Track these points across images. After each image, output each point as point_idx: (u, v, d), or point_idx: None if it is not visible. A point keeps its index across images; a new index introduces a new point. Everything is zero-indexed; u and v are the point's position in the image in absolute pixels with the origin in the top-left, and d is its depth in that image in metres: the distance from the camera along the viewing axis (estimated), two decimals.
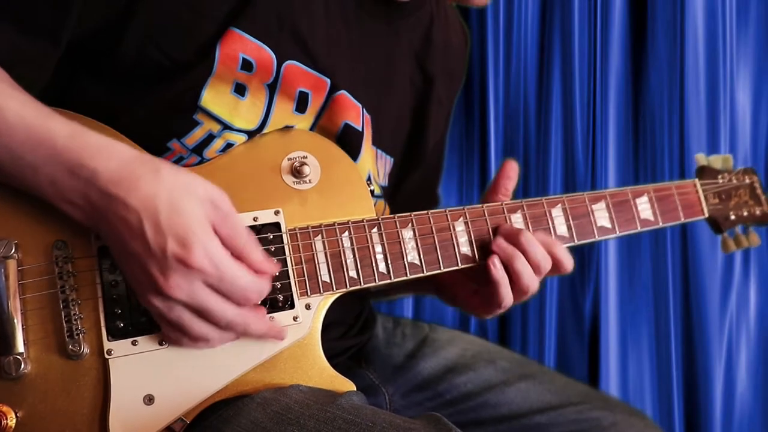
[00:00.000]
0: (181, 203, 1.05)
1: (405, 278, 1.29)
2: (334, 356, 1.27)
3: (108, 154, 1.07)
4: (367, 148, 1.41)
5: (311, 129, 1.34)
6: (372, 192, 1.40)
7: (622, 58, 2.62)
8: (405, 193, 1.62)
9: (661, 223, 1.51)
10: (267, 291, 1.13)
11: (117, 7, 1.16)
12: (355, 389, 1.24)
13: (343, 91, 1.34)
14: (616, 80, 2.61)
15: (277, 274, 1.19)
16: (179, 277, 1.04)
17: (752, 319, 2.67)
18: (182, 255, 1.03)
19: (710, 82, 2.60)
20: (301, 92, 1.29)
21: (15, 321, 1.08)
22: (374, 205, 1.40)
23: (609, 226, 1.45)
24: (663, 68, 2.60)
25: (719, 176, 1.63)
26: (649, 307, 2.66)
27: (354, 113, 1.36)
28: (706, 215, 1.58)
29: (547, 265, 1.33)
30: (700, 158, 1.66)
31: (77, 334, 1.10)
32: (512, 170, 1.45)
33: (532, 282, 1.32)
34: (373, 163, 1.47)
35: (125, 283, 1.12)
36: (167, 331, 1.12)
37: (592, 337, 2.66)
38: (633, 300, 2.66)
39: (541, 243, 1.33)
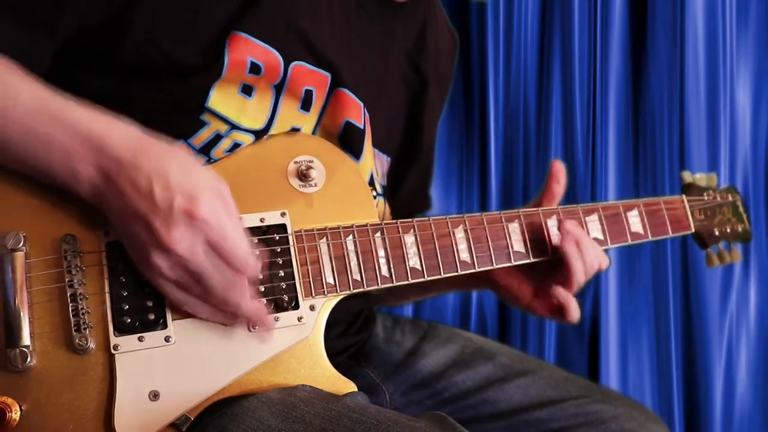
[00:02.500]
0: (192, 171, 1.07)
1: (406, 282, 1.30)
2: (334, 355, 1.27)
3: (122, 127, 1.09)
4: (368, 146, 1.42)
5: (315, 127, 1.35)
6: (376, 194, 1.42)
7: (622, 58, 2.62)
8: (401, 195, 1.63)
9: (650, 237, 1.55)
10: (259, 269, 1.13)
11: (114, 4, 1.16)
12: (357, 391, 1.24)
13: (343, 89, 1.34)
14: (616, 80, 2.62)
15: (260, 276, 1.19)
16: (183, 230, 1.03)
17: (752, 319, 2.68)
18: (189, 207, 1.03)
19: (710, 82, 2.61)
20: (306, 90, 1.30)
21: (22, 314, 1.08)
22: (377, 204, 1.41)
23: (601, 237, 1.49)
24: (663, 68, 2.61)
25: (704, 194, 1.68)
26: (649, 307, 2.67)
27: (355, 111, 1.37)
28: (693, 230, 1.62)
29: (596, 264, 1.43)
30: (686, 176, 1.71)
31: (84, 329, 1.10)
32: (559, 173, 1.52)
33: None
34: (373, 162, 1.48)
35: (133, 278, 1.12)
36: (171, 293, 1.11)
37: (592, 337, 2.67)
38: (633, 300, 2.66)
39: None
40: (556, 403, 1.53)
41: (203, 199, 1.04)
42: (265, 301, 1.19)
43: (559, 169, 1.52)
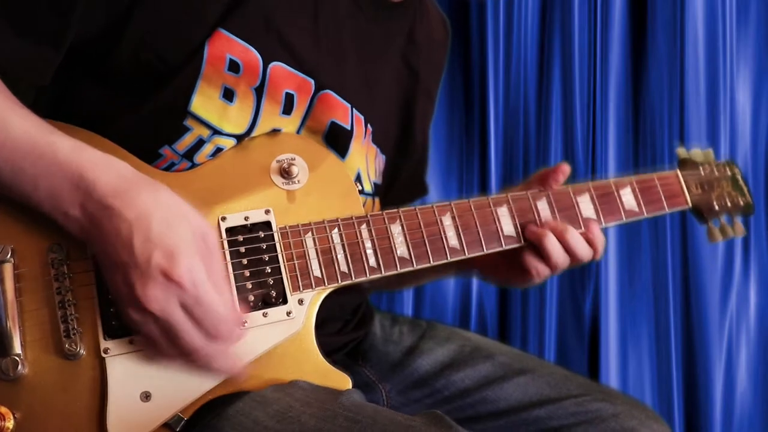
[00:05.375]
0: (174, 224, 1.07)
1: (395, 272, 1.31)
2: (331, 352, 1.28)
3: (108, 168, 1.09)
4: (358, 146, 1.42)
5: (298, 130, 1.36)
6: (361, 190, 1.42)
7: (622, 58, 2.62)
8: (396, 186, 1.65)
9: (645, 213, 1.53)
10: (239, 334, 1.13)
11: (116, 13, 1.18)
12: (350, 382, 1.25)
13: (328, 91, 1.35)
14: (616, 80, 2.61)
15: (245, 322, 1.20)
16: (158, 289, 1.04)
17: (752, 319, 2.66)
18: (166, 266, 1.03)
19: (710, 82, 2.59)
20: (287, 94, 1.31)
21: (11, 323, 1.10)
22: (364, 203, 1.42)
23: (594, 217, 1.47)
24: (663, 68, 2.60)
25: (700, 168, 1.65)
26: (649, 306, 2.66)
27: (341, 112, 1.38)
28: (690, 204, 1.60)
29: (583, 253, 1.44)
30: (681, 152, 1.69)
31: (74, 334, 1.12)
32: (562, 173, 1.51)
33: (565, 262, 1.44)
34: (372, 161, 1.49)
35: None
36: (144, 345, 1.12)
37: (592, 337, 2.66)
38: (633, 300, 2.66)
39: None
40: (556, 401, 1.53)
41: (181, 259, 1.04)
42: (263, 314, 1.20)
43: (564, 172, 1.52)
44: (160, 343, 1.09)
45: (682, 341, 2.66)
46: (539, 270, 1.45)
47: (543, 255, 1.42)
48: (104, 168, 1.08)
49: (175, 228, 1.06)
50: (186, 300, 1.05)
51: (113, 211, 1.05)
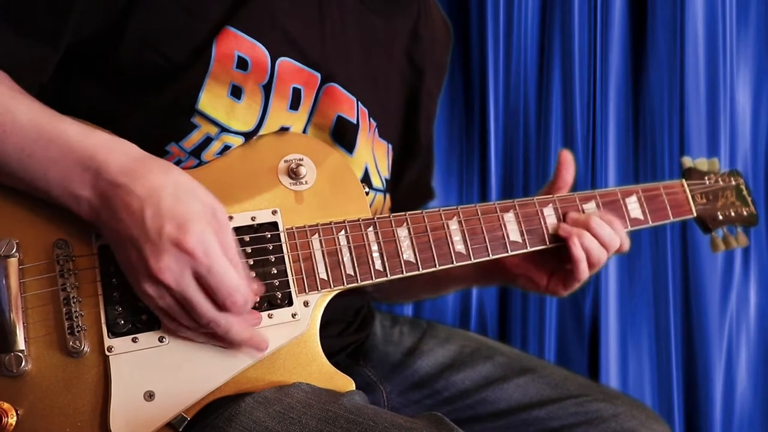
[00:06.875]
0: (184, 198, 1.07)
1: (401, 275, 1.30)
2: (332, 354, 1.27)
3: (118, 149, 1.10)
4: (363, 140, 1.42)
5: (305, 126, 1.36)
6: (371, 186, 1.43)
7: (622, 58, 2.62)
8: (402, 188, 1.64)
9: (650, 222, 1.54)
10: (252, 302, 1.14)
11: (114, 12, 1.18)
12: (354, 386, 1.24)
13: (333, 84, 1.35)
14: (616, 80, 2.62)
15: (262, 293, 1.20)
16: (171, 260, 1.04)
17: (752, 319, 2.67)
18: (177, 236, 1.04)
19: (710, 82, 2.60)
20: (294, 89, 1.31)
21: (16, 318, 1.09)
22: (374, 199, 1.43)
23: None
24: (663, 68, 2.60)
25: (706, 177, 1.66)
26: (649, 307, 2.66)
27: (347, 106, 1.38)
28: (695, 214, 1.61)
29: (613, 241, 1.44)
30: (686, 161, 1.69)
31: (78, 332, 1.11)
32: (568, 161, 1.54)
33: (601, 255, 1.44)
34: (382, 157, 1.50)
35: (125, 280, 1.12)
36: (164, 321, 1.13)
37: (592, 338, 2.66)
38: (633, 300, 2.66)
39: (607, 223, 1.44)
40: (556, 401, 1.53)
41: (192, 229, 1.05)
42: (256, 326, 1.19)
43: (568, 158, 1.53)
44: (178, 316, 1.10)
45: (682, 341, 2.66)
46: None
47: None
48: (114, 149, 1.09)
49: (185, 201, 1.07)
50: (198, 269, 1.06)
51: (123, 188, 1.06)
